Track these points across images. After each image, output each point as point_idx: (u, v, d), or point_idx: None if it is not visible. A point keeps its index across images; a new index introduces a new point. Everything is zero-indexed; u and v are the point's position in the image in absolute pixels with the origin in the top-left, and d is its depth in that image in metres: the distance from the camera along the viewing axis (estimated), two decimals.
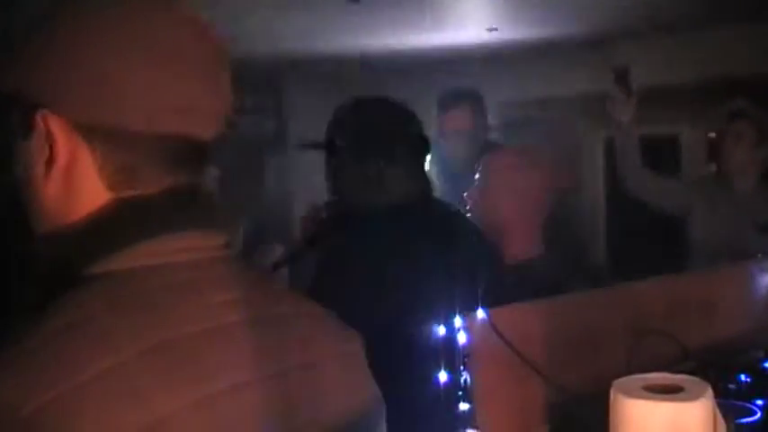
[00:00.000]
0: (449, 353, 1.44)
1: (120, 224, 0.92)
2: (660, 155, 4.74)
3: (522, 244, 2.57)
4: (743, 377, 1.88)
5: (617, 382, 0.99)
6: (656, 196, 3.45)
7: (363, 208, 2.09)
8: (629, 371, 1.03)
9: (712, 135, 3.55)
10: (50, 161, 0.92)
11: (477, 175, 2.69)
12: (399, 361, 1.78)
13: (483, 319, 1.43)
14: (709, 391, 0.98)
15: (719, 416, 1.00)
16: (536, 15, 4.57)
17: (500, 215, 2.57)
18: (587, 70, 4.88)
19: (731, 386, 1.85)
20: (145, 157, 0.92)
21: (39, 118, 0.91)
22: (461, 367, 1.39)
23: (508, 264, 2.42)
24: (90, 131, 0.91)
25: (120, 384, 0.81)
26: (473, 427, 1.36)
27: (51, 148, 0.92)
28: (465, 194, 2.70)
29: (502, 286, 2.19)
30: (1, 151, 0.99)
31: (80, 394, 0.79)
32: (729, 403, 1.67)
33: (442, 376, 1.42)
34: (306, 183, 2.89)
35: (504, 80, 5.58)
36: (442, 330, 1.51)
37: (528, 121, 5.62)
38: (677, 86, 4.98)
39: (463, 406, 1.40)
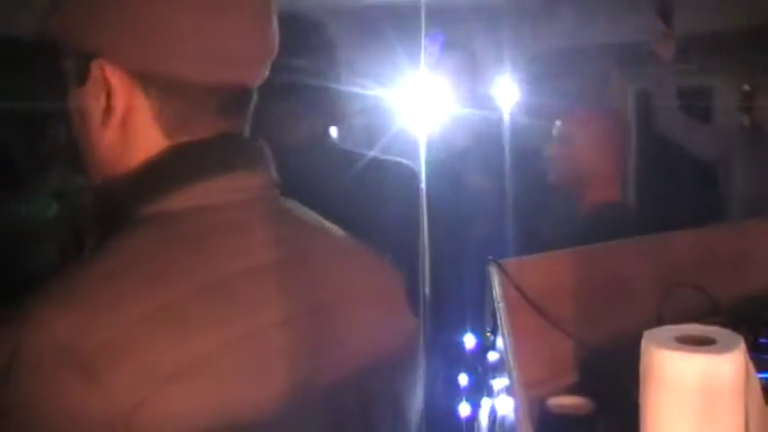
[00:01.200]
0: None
1: (176, 166, 0.94)
2: (694, 104, 4.66)
3: (605, 190, 2.75)
4: None
5: (648, 333, 0.99)
6: (692, 142, 3.38)
7: None
8: (659, 322, 1.02)
9: (747, 88, 3.49)
10: (108, 110, 0.93)
11: (555, 132, 2.81)
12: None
13: (507, 270, 1.43)
14: (742, 344, 0.96)
15: (752, 369, 0.99)
16: None
17: (585, 167, 2.74)
18: (618, 17, 4.77)
19: (762, 340, 1.83)
20: (199, 105, 0.94)
21: (95, 67, 0.92)
22: (491, 318, 1.39)
23: (593, 207, 2.69)
24: (146, 80, 0.92)
25: (167, 323, 0.83)
26: (502, 374, 1.36)
27: (108, 97, 0.92)
28: (547, 152, 2.82)
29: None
30: (49, 100, 1.00)
31: (132, 333, 0.81)
32: (760, 357, 1.66)
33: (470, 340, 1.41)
34: None
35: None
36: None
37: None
38: (710, 35, 4.87)
39: (493, 355, 1.41)
